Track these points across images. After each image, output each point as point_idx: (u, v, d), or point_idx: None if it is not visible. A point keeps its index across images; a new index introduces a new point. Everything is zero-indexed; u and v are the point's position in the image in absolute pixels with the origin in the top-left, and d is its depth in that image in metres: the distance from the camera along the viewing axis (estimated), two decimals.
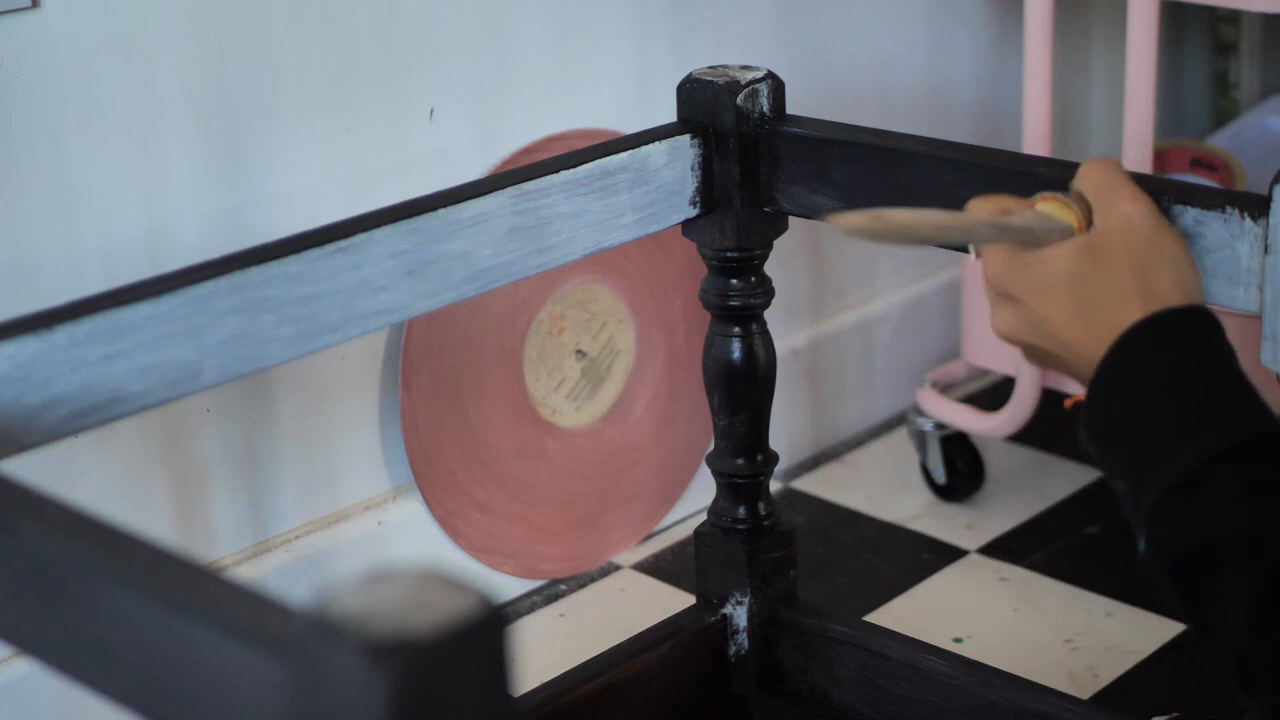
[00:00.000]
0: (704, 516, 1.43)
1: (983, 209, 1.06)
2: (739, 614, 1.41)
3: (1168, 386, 0.96)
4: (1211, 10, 2.21)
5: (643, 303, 1.78)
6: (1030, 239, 1.04)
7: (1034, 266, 1.03)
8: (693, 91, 1.30)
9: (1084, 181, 1.05)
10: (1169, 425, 0.95)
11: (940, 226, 1.04)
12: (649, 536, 1.85)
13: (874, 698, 1.37)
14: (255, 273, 1.07)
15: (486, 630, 0.64)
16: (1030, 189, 1.18)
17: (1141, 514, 0.95)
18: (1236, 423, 0.94)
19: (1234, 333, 1.10)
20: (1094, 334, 0.99)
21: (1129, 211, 1.02)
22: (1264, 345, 1.08)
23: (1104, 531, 1.81)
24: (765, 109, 1.29)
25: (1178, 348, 0.98)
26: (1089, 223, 1.04)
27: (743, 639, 1.41)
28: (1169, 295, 1.00)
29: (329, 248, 1.10)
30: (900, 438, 2.03)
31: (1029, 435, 1.92)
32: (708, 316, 1.38)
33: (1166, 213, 1.10)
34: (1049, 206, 1.05)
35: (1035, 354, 1.05)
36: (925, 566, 1.78)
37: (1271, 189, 1.06)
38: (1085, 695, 1.55)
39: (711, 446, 1.41)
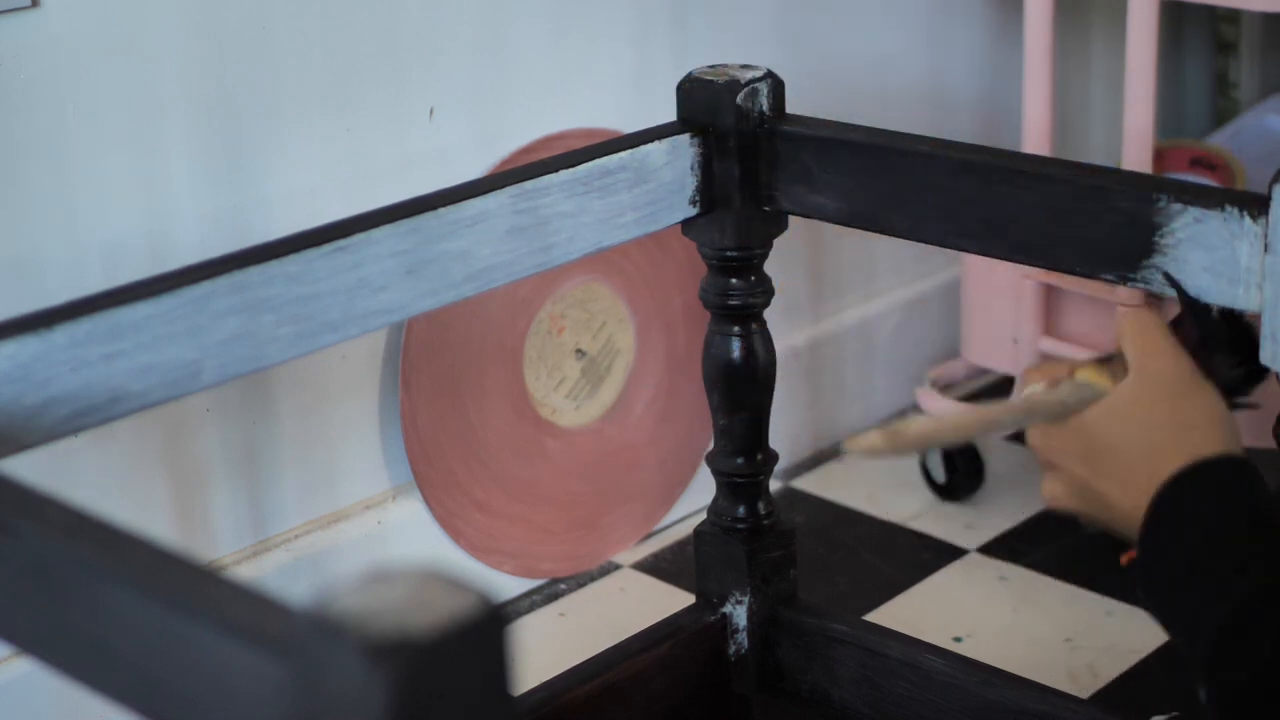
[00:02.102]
0: (704, 516, 1.43)
1: (1029, 381, 1.07)
2: (739, 613, 1.41)
3: (1208, 538, 0.96)
4: (1211, 10, 2.21)
5: (642, 302, 1.78)
6: (1059, 411, 1.04)
7: (1068, 434, 1.04)
8: (692, 91, 1.30)
9: (1122, 338, 1.05)
10: (1213, 574, 0.95)
11: (960, 428, 1.05)
12: (649, 536, 1.85)
13: (874, 697, 1.37)
14: (255, 272, 1.07)
15: (486, 630, 0.64)
16: (1031, 188, 1.18)
17: (1199, 663, 0.95)
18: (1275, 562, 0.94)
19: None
20: (1132, 494, 1.00)
21: (1157, 370, 1.03)
22: (1264, 344, 1.08)
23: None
24: (765, 108, 1.29)
25: (1215, 497, 0.98)
26: None
27: (742, 638, 1.41)
28: (1203, 448, 0.99)
29: (328, 247, 1.10)
30: None
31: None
32: (707, 316, 1.38)
33: (1165, 211, 1.10)
34: (1088, 374, 1.06)
35: (1088, 518, 1.06)
36: (925, 566, 1.78)
37: (1271, 188, 1.06)
38: (1085, 694, 1.55)
39: (711, 446, 1.41)
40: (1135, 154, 1.70)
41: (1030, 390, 1.07)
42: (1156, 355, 1.03)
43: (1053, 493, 1.06)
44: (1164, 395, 1.02)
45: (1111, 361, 1.06)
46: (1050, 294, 1.79)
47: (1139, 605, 1.01)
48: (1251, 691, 0.92)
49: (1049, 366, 1.08)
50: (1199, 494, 0.98)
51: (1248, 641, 0.93)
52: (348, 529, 1.63)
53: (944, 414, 1.04)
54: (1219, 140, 1.93)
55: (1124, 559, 1.02)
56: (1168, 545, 0.98)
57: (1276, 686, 0.91)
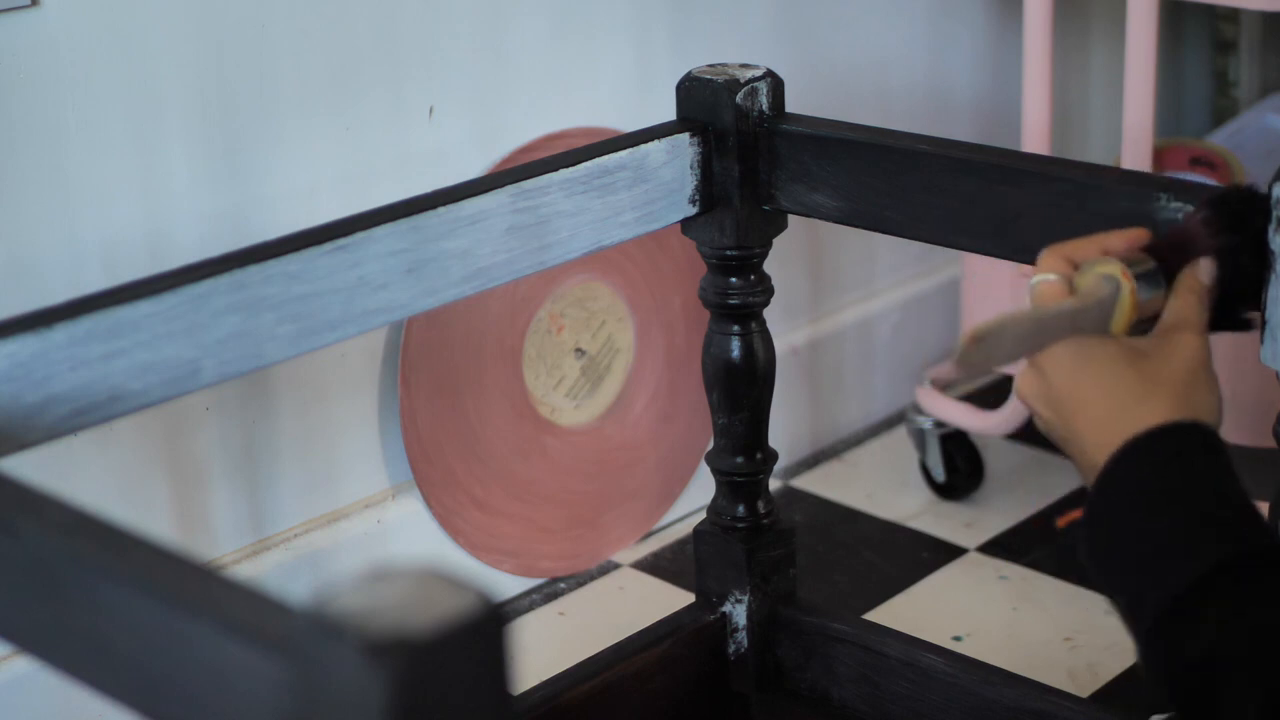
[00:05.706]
0: (703, 515, 1.43)
1: (1051, 259, 1.02)
2: (738, 612, 1.41)
3: (1164, 502, 0.94)
4: (1211, 8, 2.21)
5: (642, 301, 1.78)
6: (1091, 322, 1.00)
7: (1076, 347, 0.99)
8: (692, 90, 1.30)
9: (1178, 287, 1.02)
10: (1164, 542, 0.93)
11: (1040, 330, 0.99)
12: (648, 535, 1.85)
13: (873, 696, 1.37)
14: (254, 271, 1.07)
15: (486, 629, 0.64)
16: (1031, 187, 1.18)
17: (1140, 632, 0.93)
18: (1229, 539, 0.92)
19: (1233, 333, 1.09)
20: (1107, 433, 0.96)
21: (1196, 346, 0.99)
22: (1264, 344, 1.08)
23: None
24: (764, 107, 1.29)
25: (1176, 462, 0.94)
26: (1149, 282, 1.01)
27: (742, 637, 1.41)
28: (1175, 413, 0.96)
29: (328, 246, 1.10)
30: (900, 436, 2.03)
31: (1028, 433, 1.92)
32: (707, 315, 1.38)
33: (1164, 210, 1.11)
34: (1112, 269, 1.01)
35: (1046, 427, 1.02)
36: (924, 565, 1.78)
37: (1271, 187, 1.06)
38: (1084, 693, 1.55)
39: (711, 445, 1.41)
40: (1135, 153, 1.70)
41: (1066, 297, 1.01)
42: (1197, 331, 0.99)
43: (1029, 390, 1.00)
44: (1188, 368, 0.97)
45: (1133, 266, 1.01)
46: None
47: (1081, 567, 0.98)
48: (1188, 675, 0.91)
49: (1069, 245, 1.02)
50: (1160, 457, 0.94)
51: (1185, 626, 0.91)
52: (347, 528, 1.63)
53: (1004, 321, 0.98)
54: (1219, 139, 1.93)
55: (1061, 522, 1.00)
56: (1118, 512, 0.95)
57: (1212, 672, 0.90)
